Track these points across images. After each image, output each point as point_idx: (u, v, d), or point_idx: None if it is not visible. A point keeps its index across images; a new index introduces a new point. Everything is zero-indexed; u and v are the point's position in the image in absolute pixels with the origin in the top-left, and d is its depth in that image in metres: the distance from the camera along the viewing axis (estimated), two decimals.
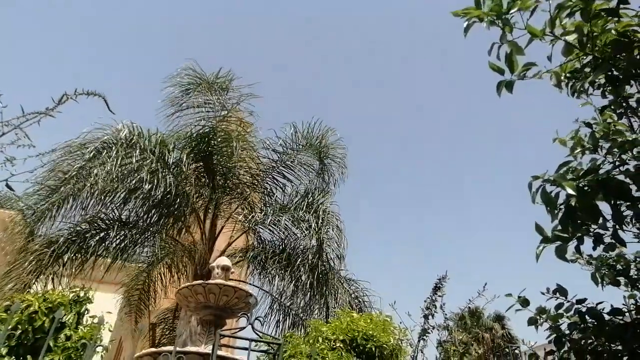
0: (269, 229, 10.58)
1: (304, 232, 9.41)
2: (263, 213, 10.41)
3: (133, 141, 8.86)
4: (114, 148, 8.52)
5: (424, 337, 6.98)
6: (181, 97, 10.59)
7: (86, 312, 5.43)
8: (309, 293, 9.52)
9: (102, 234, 9.23)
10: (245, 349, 3.59)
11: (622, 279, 2.88)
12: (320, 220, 9.17)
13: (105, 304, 11.19)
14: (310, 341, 6.49)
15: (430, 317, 7.16)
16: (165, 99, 10.61)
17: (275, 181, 11.09)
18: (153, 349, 4.24)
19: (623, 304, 2.81)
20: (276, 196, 11.00)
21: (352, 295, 9.71)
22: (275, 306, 10.33)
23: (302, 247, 9.97)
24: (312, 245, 9.23)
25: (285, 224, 10.04)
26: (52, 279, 8.44)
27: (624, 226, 2.50)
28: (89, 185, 8.25)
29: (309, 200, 9.95)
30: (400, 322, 6.86)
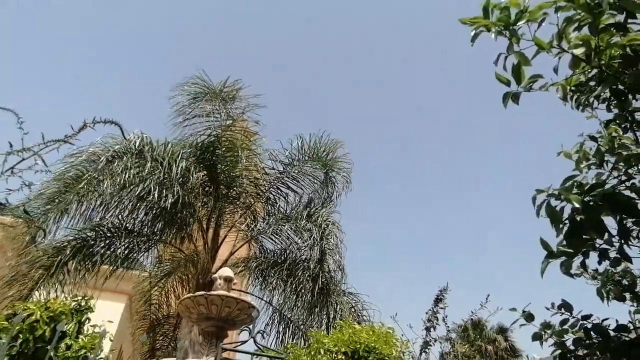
0: (272, 239, 10.58)
1: (305, 241, 9.41)
2: (266, 222, 10.41)
3: (143, 151, 8.90)
4: (124, 158, 8.55)
5: (426, 349, 6.91)
6: (188, 106, 10.66)
7: (87, 321, 5.40)
8: (310, 304, 9.48)
9: (107, 242, 9.25)
10: None
11: (627, 295, 2.85)
12: (323, 231, 9.17)
13: (107, 312, 11.18)
14: (312, 353, 6.44)
15: (432, 329, 7.10)
16: (172, 106, 10.70)
17: (279, 191, 11.09)
18: None
19: (629, 321, 2.79)
20: (279, 206, 10.99)
21: (352, 309, 9.65)
22: (276, 317, 10.29)
23: (304, 257, 9.96)
24: (313, 256, 9.22)
25: (288, 234, 10.06)
26: (56, 286, 8.42)
27: (629, 242, 2.48)
28: (97, 193, 8.28)
29: (312, 211, 9.97)
30: (402, 335, 6.81)
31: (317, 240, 9.01)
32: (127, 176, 8.32)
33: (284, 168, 11.10)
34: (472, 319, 8.40)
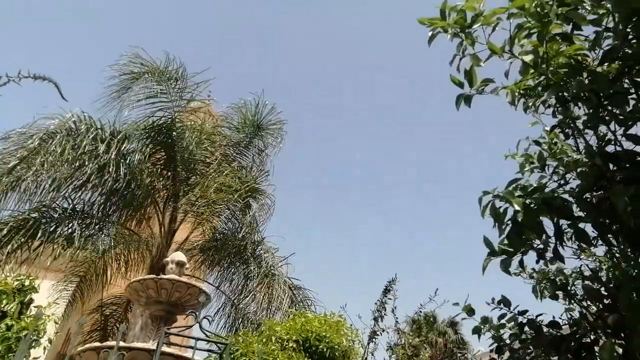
0: (224, 222, 10.59)
1: (243, 213, 9.59)
2: (219, 203, 10.32)
3: (82, 131, 8.48)
4: (58, 138, 8.11)
5: (374, 339, 7.08)
6: (130, 87, 10.16)
7: (31, 301, 5.24)
8: (258, 288, 9.56)
9: (52, 223, 8.88)
10: (196, 348, 3.57)
11: (560, 293, 3.00)
12: (253, 198, 9.39)
13: (56, 294, 10.82)
14: (264, 340, 6.49)
15: (380, 319, 7.28)
16: (112, 86, 10.14)
17: (231, 168, 10.99)
18: (96, 344, 4.14)
19: (559, 317, 2.94)
20: (229, 185, 10.86)
21: (300, 303, 9.77)
22: (229, 304, 10.27)
23: (252, 239, 10.03)
24: (253, 237, 9.35)
25: (236, 214, 10.15)
26: None
27: (564, 243, 2.60)
28: (32, 175, 7.88)
29: (249, 181, 10.27)
30: (351, 324, 6.96)
31: (249, 206, 9.22)
32: (65, 158, 7.95)
33: (227, 141, 11.18)
34: (421, 311, 8.68)
